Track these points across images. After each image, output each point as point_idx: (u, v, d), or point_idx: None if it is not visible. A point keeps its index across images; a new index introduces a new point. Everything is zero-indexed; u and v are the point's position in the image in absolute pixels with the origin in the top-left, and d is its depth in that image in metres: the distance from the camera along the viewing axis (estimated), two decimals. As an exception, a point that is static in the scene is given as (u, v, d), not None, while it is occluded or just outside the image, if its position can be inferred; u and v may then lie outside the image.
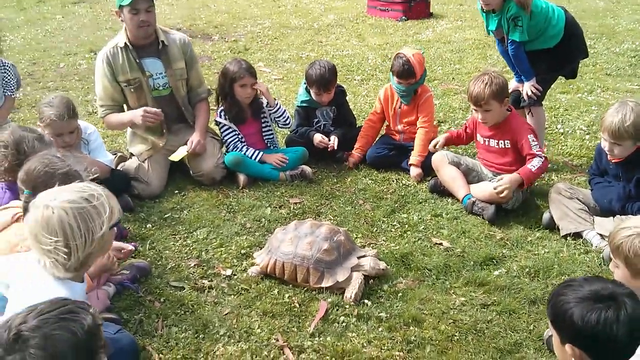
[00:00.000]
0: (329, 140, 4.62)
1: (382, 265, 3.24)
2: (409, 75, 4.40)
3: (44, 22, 10.45)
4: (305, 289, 3.15)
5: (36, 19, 10.76)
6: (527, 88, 4.35)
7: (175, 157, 4.25)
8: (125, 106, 4.43)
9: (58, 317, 1.71)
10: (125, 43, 4.18)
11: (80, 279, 2.40)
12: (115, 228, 2.60)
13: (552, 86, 4.96)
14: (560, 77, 4.70)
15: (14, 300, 2.30)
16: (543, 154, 3.92)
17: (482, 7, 4.31)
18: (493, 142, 4.08)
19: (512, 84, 4.57)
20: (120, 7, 4.10)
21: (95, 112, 5.81)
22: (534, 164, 3.85)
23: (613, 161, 3.53)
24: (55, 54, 8.23)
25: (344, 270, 3.13)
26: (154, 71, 4.28)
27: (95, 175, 3.12)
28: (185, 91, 4.47)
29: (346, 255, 3.19)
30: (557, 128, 5.30)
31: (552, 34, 4.20)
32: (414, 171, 4.41)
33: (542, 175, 4.37)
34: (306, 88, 4.73)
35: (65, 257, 2.21)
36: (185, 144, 4.29)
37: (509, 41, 4.25)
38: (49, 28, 9.95)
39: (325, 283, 3.11)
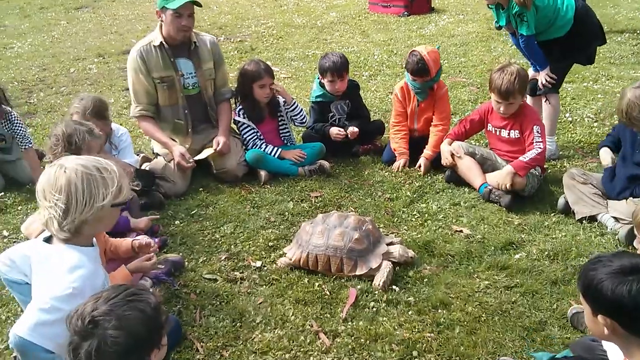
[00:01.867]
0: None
1: (411, 253, 3.35)
2: (424, 73, 4.41)
3: (50, 28, 10.52)
4: (333, 277, 3.26)
5: (41, 25, 10.83)
6: (542, 77, 4.48)
7: (201, 157, 4.36)
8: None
9: (125, 300, 1.84)
10: (161, 42, 4.27)
11: (88, 244, 2.42)
12: (122, 213, 2.67)
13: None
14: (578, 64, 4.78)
15: (40, 279, 2.34)
16: (542, 146, 4.01)
17: (487, 3, 4.42)
18: (504, 133, 4.20)
19: (530, 73, 4.67)
20: (164, 8, 4.18)
21: (113, 116, 5.94)
22: (527, 155, 3.98)
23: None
24: (64, 60, 8.31)
25: (376, 258, 3.23)
26: (185, 71, 4.38)
27: (135, 183, 3.29)
28: (212, 91, 4.57)
29: (375, 243, 3.30)
30: (565, 117, 5.40)
31: (561, 24, 4.32)
32: (423, 161, 4.48)
33: (554, 162, 4.51)
34: (319, 83, 4.81)
35: (62, 214, 2.24)
36: (211, 142, 4.40)
37: (519, 35, 4.37)
38: (55, 34, 10.02)
39: (360, 271, 3.21)
